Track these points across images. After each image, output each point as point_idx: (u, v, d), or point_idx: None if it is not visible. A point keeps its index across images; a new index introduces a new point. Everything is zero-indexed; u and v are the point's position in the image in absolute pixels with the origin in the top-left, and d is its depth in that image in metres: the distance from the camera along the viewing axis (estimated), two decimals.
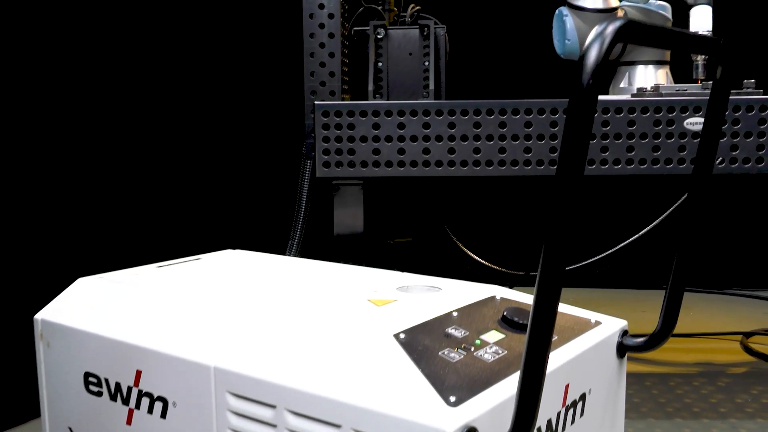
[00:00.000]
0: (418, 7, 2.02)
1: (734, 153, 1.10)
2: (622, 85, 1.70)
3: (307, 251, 1.45)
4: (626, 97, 1.11)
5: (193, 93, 2.29)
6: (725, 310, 2.48)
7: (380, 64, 1.89)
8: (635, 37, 0.48)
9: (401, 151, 1.13)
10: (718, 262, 2.70)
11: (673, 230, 1.65)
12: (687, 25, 1.32)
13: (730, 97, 1.09)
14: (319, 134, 1.14)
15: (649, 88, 1.68)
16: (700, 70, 1.21)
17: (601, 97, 1.11)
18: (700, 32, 1.17)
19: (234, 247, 1.00)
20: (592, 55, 0.46)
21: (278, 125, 2.52)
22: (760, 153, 1.10)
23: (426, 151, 1.13)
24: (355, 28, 1.93)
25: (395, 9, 1.98)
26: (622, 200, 2.43)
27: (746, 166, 1.10)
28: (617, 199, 2.44)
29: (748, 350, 1.88)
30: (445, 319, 0.66)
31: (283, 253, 1.37)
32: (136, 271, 0.86)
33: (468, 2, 2.89)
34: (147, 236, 1.90)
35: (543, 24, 1.81)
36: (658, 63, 1.69)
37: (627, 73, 1.70)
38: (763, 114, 1.09)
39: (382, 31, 1.89)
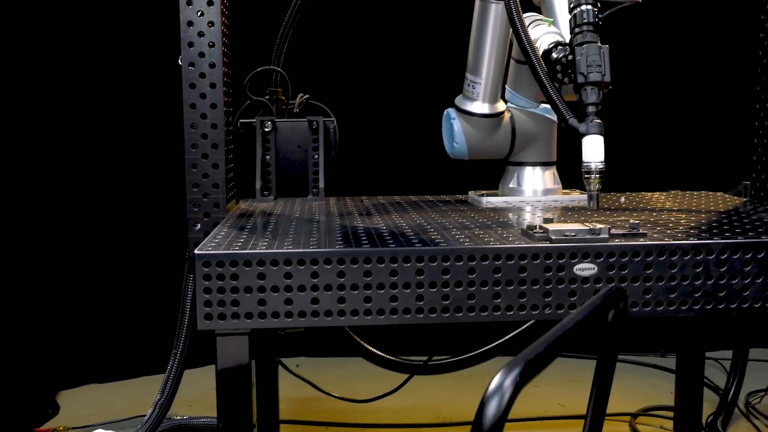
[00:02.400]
0: (306, 96, 1.98)
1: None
2: (511, 185, 1.72)
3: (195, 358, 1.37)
4: (518, 244, 1.09)
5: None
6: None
7: (268, 157, 1.83)
8: (534, 371, 0.45)
9: (288, 302, 1.07)
10: None
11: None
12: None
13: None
14: (200, 285, 1.06)
15: (540, 191, 1.70)
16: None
17: (492, 245, 1.09)
18: (593, 163, 1.17)
19: None
20: (491, 412, 0.42)
21: None
22: (647, 297, 1.11)
23: (315, 301, 1.08)
24: (242, 120, 1.87)
25: (283, 98, 1.93)
26: None
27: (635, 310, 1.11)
28: None
29: None
30: None
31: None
32: None
33: (358, 90, 2.88)
34: None
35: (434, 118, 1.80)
36: (546, 164, 1.71)
37: (516, 174, 1.71)
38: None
39: (269, 124, 1.84)
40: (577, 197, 1.69)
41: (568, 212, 1.48)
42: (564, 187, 1.76)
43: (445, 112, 1.74)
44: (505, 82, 1.70)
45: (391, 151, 2.97)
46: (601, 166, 1.15)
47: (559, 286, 1.10)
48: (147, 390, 2.55)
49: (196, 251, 1.07)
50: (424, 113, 2.16)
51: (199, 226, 1.48)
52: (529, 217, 1.44)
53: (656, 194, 1.84)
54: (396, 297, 1.08)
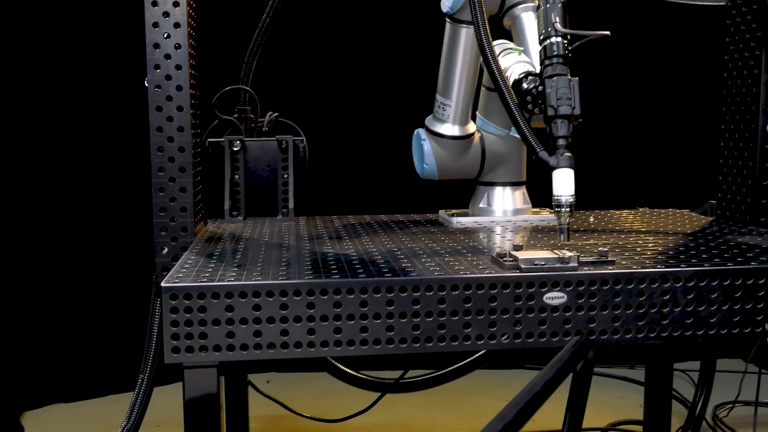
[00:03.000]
0: (275, 114, 1.97)
1: (592, 325, 1.11)
2: (481, 205, 1.72)
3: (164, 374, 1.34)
4: (488, 273, 1.09)
5: None
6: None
7: (237, 177, 1.82)
8: None
9: (257, 334, 1.06)
10: None
11: None
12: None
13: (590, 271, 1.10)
14: (167, 318, 1.05)
15: (510, 211, 1.71)
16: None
17: (462, 275, 1.09)
18: (563, 197, 1.17)
19: None
20: None
21: None
22: (615, 324, 1.12)
23: (284, 332, 1.07)
24: (210, 140, 1.85)
25: (252, 116, 1.92)
26: None
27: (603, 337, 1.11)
28: None
29: None
30: None
31: None
32: None
33: (329, 107, 2.87)
34: None
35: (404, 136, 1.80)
36: (515, 184, 1.72)
37: (486, 194, 1.72)
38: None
39: (238, 143, 1.83)
40: (547, 217, 1.70)
41: (537, 234, 1.49)
42: (534, 206, 1.77)
43: (416, 132, 1.73)
44: (475, 107, 1.71)
45: (361, 169, 2.97)
46: (571, 200, 1.15)
47: (529, 315, 1.10)
48: (115, 409, 2.51)
49: (162, 284, 1.05)
50: (394, 131, 2.16)
51: (166, 250, 1.47)
52: (499, 241, 1.44)
53: (624, 212, 1.85)
54: (366, 328, 1.08)
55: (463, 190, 1.80)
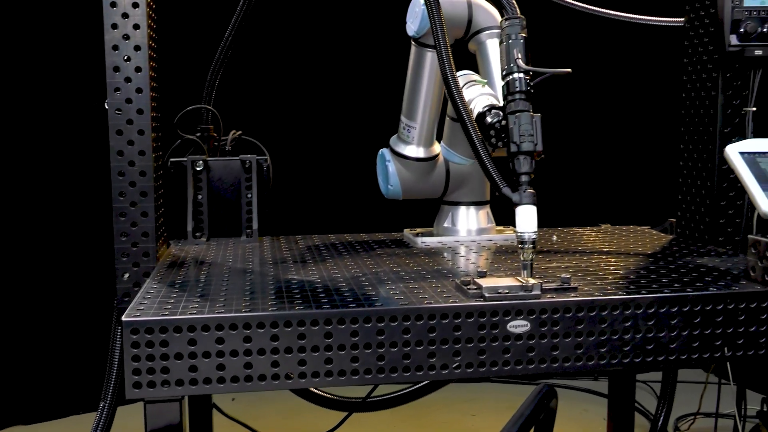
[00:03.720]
0: (239, 132, 1.96)
1: (555, 353, 1.12)
2: (445, 224, 1.73)
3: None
4: (452, 303, 1.09)
5: None
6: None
7: (200, 197, 1.80)
8: None
9: (221, 367, 1.05)
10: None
11: None
12: None
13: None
14: (128, 353, 1.03)
15: (474, 230, 1.71)
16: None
17: (428, 305, 1.09)
18: (526, 233, 1.18)
19: None
20: None
21: None
22: (578, 351, 1.13)
23: (248, 365, 1.06)
24: (172, 159, 1.83)
25: (215, 135, 1.90)
26: None
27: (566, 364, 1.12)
28: None
29: None
30: None
31: None
32: None
33: (294, 126, 2.86)
34: None
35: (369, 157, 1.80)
36: (479, 204, 1.73)
37: (450, 213, 1.72)
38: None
39: (201, 163, 1.81)
40: (511, 236, 1.71)
41: (501, 256, 1.50)
42: (498, 224, 1.78)
43: (380, 152, 1.73)
44: (440, 133, 1.72)
45: (326, 187, 2.96)
46: (534, 236, 1.16)
47: (493, 344, 1.11)
48: (77, 431, 2.47)
49: (123, 318, 1.04)
50: (359, 149, 2.16)
51: (127, 275, 1.45)
52: (463, 264, 1.45)
53: (587, 230, 1.87)
54: (331, 359, 1.07)
55: (427, 208, 1.81)
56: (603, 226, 1.94)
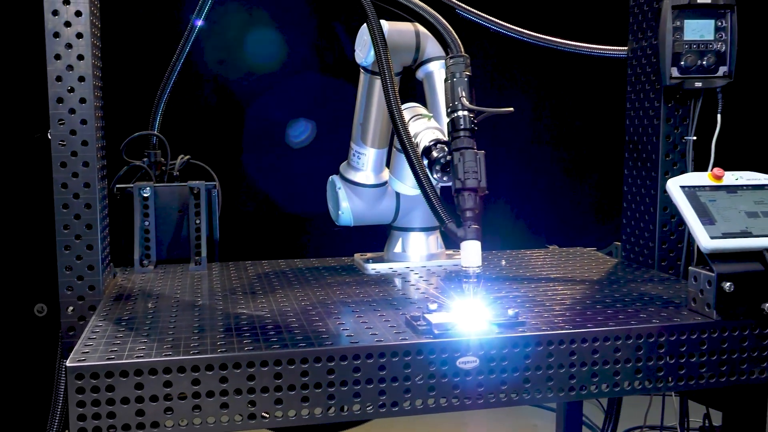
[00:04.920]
0: (187, 157, 1.93)
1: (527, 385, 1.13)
2: (396, 250, 1.73)
3: None
4: (402, 340, 1.10)
5: None
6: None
7: (147, 224, 1.77)
8: None
9: (168, 410, 1.04)
10: None
11: None
12: None
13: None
14: (73, 399, 1.01)
15: (424, 256, 1.72)
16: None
17: (378, 343, 1.09)
18: (471, 268, 1.20)
19: None
20: None
21: None
22: (526, 386, 1.14)
23: (196, 408, 1.04)
24: (118, 186, 1.80)
25: (163, 159, 1.88)
26: None
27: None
28: None
29: None
30: None
31: None
32: None
33: (242, 149, 2.84)
34: None
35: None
36: (429, 230, 1.74)
37: (401, 239, 1.73)
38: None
39: (148, 189, 1.78)
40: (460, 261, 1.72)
41: (451, 285, 1.51)
42: (448, 248, 1.79)
43: (330, 179, 1.73)
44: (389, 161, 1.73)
45: (275, 212, 2.94)
46: (478, 271, 1.18)
47: (443, 380, 1.12)
48: None
49: (67, 363, 1.02)
50: (309, 173, 2.15)
51: (72, 309, 1.42)
52: (413, 293, 1.46)
53: (536, 252, 1.90)
54: (281, 400, 1.07)
55: (377, 231, 1.81)
56: (551, 247, 1.97)
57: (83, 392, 1.01)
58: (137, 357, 1.04)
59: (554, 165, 3.19)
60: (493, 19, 1.76)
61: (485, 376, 1.13)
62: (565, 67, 3.01)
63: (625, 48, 1.73)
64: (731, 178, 1.29)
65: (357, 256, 1.79)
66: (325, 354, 1.08)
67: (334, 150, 1.82)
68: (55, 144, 1.38)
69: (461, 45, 1.25)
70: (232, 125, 2.87)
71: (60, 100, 1.37)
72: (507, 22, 1.75)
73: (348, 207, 1.68)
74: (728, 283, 1.19)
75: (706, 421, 1.92)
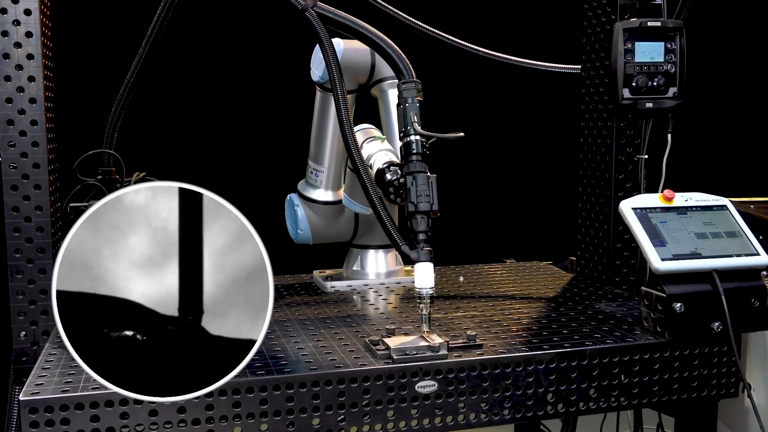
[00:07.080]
0: (143, 174, 1.91)
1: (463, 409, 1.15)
2: (354, 267, 1.74)
3: None
4: (361, 366, 1.11)
5: None
6: None
7: None
8: None
9: None
10: None
11: None
12: None
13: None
14: None
15: (383, 273, 1.73)
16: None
17: (337, 369, 1.10)
18: (424, 289, 1.21)
19: None
20: None
21: None
22: (484, 407, 1.16)
23: None
24: (71, 205, 1.77)
25: (118, 177, 1.85)
26: None
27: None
28: None
29: None
30: None
31: None
32: None
33: (198, 167, 2.81)
34: None
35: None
36: (388, 247, 1.75)
37: (359, 256, 1.74)
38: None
39: None
40: None
41: (410, 304, 1.52)
42: (406, 264, 1.80)
43: (288, 197, 1.73)
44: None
45: None
46: (431, 292, 1.19)
47: (402, 404, 1.12)
48: None
49: (21, 397, 1.00)
50: (267, 193, 2.14)
51: (24, 334, 1.39)
52: (372, 313, 1.46)
53: (493, 267, 1.92)
54: (240, 428, 1.06)
55: (336, 247, 1.81)
56: (508, 261, 2.00)
57: (37, 426, 1.00)
58: (92, 389, 1.02)
59: (511, 176, 3.22)
60: (449, 37, 1.78)
61: (443, 399, 1.14)
62: (521, 83, 3.05)
63: (579, 66, 1.76)
64: (681, 199, 1.32)
65: (316, 273, 1.79)
66: (284, 382, 1.08)
67: (292, 168, 1.82)
68: (6, 167, 1.35)
69: (413, 70, 1.26)
70: (187, 141, 2.84)
71: (10, 122, 1.34)
72: (460, 39, 1.78)
73: (307, 225, 1.68)
74: (679, 304, 1.22)
75: (659, 430, 1.96)
